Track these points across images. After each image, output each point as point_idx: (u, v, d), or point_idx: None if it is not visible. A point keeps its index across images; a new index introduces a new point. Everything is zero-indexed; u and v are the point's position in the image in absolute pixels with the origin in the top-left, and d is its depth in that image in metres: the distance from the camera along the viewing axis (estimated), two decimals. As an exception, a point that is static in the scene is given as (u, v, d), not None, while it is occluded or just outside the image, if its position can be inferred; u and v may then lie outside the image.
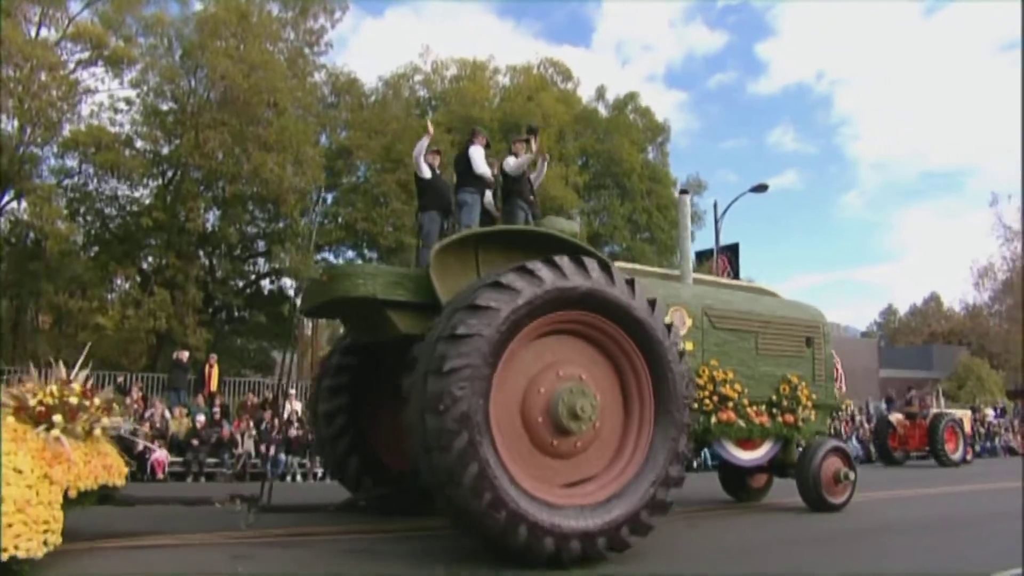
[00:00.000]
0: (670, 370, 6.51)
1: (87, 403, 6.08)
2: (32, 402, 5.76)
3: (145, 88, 22.24)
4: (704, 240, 28.92)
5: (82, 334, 20.32)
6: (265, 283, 26.13)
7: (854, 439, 22.08)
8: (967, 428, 21.98)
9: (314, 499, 8.76)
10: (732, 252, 24.42)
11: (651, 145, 31.95)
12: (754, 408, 9.00)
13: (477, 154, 8.50)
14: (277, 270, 24.43)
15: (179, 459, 13.98)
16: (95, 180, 22.20)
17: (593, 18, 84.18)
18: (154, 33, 22.06)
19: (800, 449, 9.55)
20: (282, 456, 14.99)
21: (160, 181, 23.13)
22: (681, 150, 76.65)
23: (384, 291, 6.72)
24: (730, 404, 8.73)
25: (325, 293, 7.08)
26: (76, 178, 22.18)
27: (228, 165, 21.19)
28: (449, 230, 8.51)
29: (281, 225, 23.82)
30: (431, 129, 8.56)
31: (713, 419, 8.56)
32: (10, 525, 4.79)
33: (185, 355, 17.50)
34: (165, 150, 22.62)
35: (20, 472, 5.11)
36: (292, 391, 18.40)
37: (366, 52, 71.69)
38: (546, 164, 9.06)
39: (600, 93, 32.13)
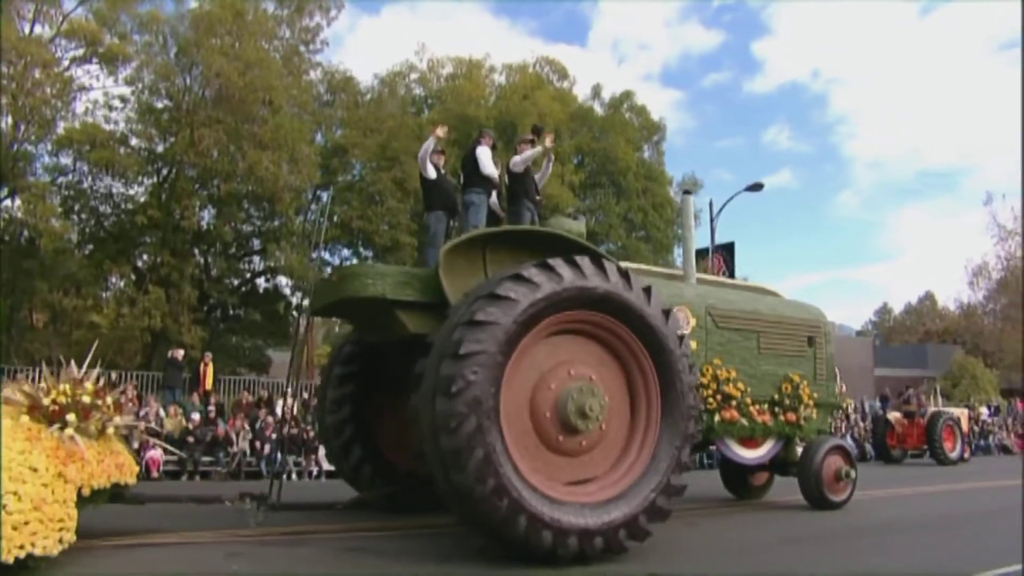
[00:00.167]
0: (679, 379, 6.58)
1: (99, 402, 6.14)
2: (46, 401, 5.82)
3: (140, 85, 22.17)
4: (700, 239, 28.82)
5: (77, 332, 20.29)
6: (260, 281, 26.07)
7: (849, 437, 22.13)
8: (965, 426, 22.06)
9: (322, 498, 8.77)
10: (728, 251, 24.45)
11: (647, 144, 31.94)
12: (757, 407, 9.09)
13: (484, 154, 8.53)
14: (272, 268, 24.38)
15: (174, 457, 13.96)
16: (89, 178, 22.13)
17: (589, 17, 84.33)
18: (149, 30, 21.95)
19: (801, 447, 9.63)
20: (277, 455, 14.97)
21: (155, 179, 23.03)
22: (677, 149, 77.01)
23: (393, 291, 6.76)
24: (733, 403, 8.81)
25: (334, 293, 7.12)
26: (70, 176, 22.11)
27: (223, 163, 21.12)
28: (454, 230, 8.55)
29: (276, 223, 23.76)
30: (439, 131, 8.56)
31: (716, 418, 8.63)
32: (27, 523, 4.89)
33: (180, 353, 17.46)
34: (160, 148, 22.51)
35: (35, 470, 5.20)
36: (288, 389, 18.33)
37: (362, 50, 71.72)
38: (551, 164, 9.12)
39: (596, 92, 32.12)
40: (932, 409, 21.51)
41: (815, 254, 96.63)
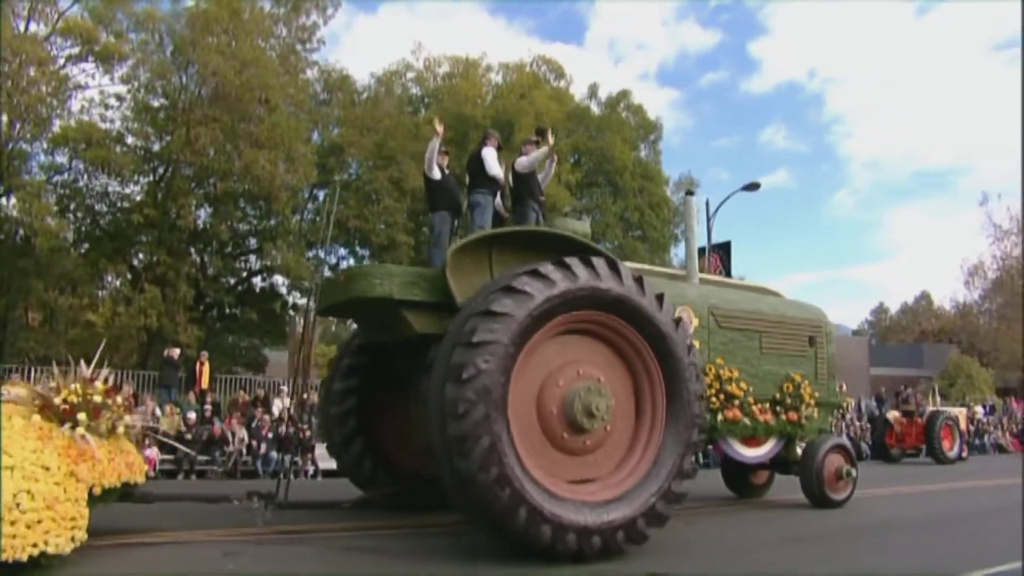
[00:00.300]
0: (685, 388, 6.64)
1: (110, 401, 6.19)
2: (57, 400, 5.87)
3: (136, 84, 22.13)
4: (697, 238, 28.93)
5: (72, 331, 20.24)
6: (257, 280, 26.06)
7: (844, 436, 22.15)
8: (963, 426, 22.13)
9: (325, 497, 8.79)
10: (724, 250, 24.43)
11: (643, 143, 31.98)
12: (759, 406, 9.15)
13: (490, 155, 8.55)
14: (269, 267, 24.35)
15: (170, 456, 13.93)
16: (85, 176, 22.10)
17: (586, 16, 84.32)
18: (145, 29, 21.91)
19: (802, 446, 9.71)
20: (273, 453, 14.97)
21: (151, 178, 22.98)
22: (673, 148, 76.87)
23: (401, 291, 6.79)
24: (736, 402, 8.87)
25: (341, 293, 7.15)
26: (66, 174, 22.08)
27: (219, 162, 21.10)
28: (459, 230, 8.59)
29: (273, 222, 23.74)
30: (440, 129, 8.58)
31: (719, 417, 8.69)
32: (39, 521, 4.95)
33: (176, 352, 17.44)
34: (156, 146, 22.47)
35: (48, 469, 5.25)
36: (284, 388, 18.36)
37: (359, 49, 71.66)
38: (554, 164, 9.14)
39: (593, 91, 32.16)
40: (931, 408, 21.59)
41: (811, 253, 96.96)
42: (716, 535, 7.88)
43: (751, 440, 9.28)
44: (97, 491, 5.63)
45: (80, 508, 5.31)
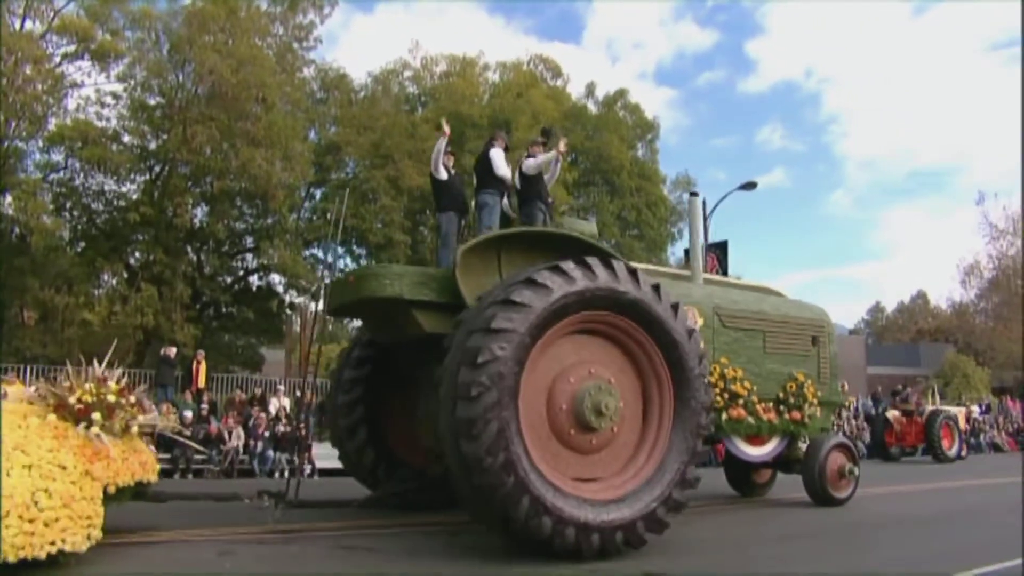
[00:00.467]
0: (694, 397, 6.70)
1: (123, 401, 6.26)
2: (71, 400, 5.94)
3: (132, 82, 22.03)
4: (693, 237, 28.93)
5: (68, 330, 20.17)
6: (253, 279, 26.00)
7: (841, 435, 22.17)
8: (962, 425, 22.20)
9: (334, 496, 8.79)
10: (721, 249, 24.44)
11: (640, 142, 31.96)
12: (763, 405, 9.24)
13: (498, 156, 8.61)
14: (265, 266, 24.31)
15: (167, 455, 13.90)
16: (81, 175, 21.98)
17: (584, 15, 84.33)
18: (141, 27, 21.78)
19: (805, 445, 9.78)
20: (270, 452, 14.96)
21: (147, 176, 22.90)
22: (670, 147, 76.98)
23: (411, 291, 6.87)
24: (740, 401, 8.95)
25: (352, 293, 7.20)
26: (62, 173, 21.97)
27: (216, 160, 21.03)
28: (466, 230, 8.62)
29: (269, 221, 23.69)
30: (447, 129, 8.61)
31: (724, 416, 8.76)
32: (57, 519, 5.03)
33: (173, 351, 17.40)
34: (152, 145, 22.39)
35: (64, 468, 5.34)
36: (281, 387, 18.34)
37: (356, 48, 71.58)
38: (559, 166, 9.19)
39: (590, 90, 32.14)
40: (930, 408, 21.65)
41: (808, 253, 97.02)
42: (717, 532, 7.93)
43: (755, 439, 9.39)
44: (111, 490, 5.72)
45: (95, 507, 5.39)
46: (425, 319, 6.93)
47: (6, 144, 19.87)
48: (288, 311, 26.33)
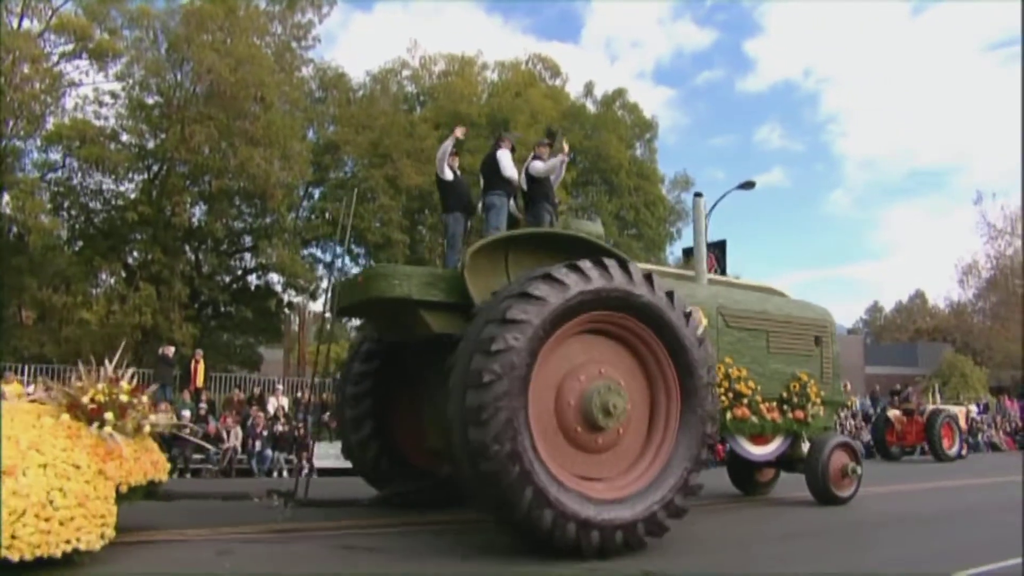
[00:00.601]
0: (700, 406, 6.75)
1: (135, 400, 6.35)
2: (84, 400, 5.99)
3: (130, 81, 21.98)
4: (691, 236, 28.96)
5: (66, 329, 20.12)
6: (252, 278, 25.96)
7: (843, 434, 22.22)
8: (963, 424, 22.26)
9: (341, 495, 8.80)
10: (719, 249, 24.44)
11: (639, 142, 31.94)
12: (766, 404, 9.29)
13: (505, 157, 8.62)
14: (264, 265, 24.28)
15: (165, 455, 13.84)
16: (79, 174, 21.93)
17: (582, 15, 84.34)
18: (139, 26, 21.74)
19: (807, 444, 9.82)
20: (268, 452, 14.92)
21: (146, 175, 22.86)
22: (669, 147, 77.03)
23: (419, 292, 6.91)
24: (744, 400, 9.01)
25: (360, 293, 7.24)
26: (60, 172, 21.92)
27: (214, 160, 21.00)
28: (472, 231, 8.64)
29: (268, 220, 23.65)
30: (460, 133, 8.64)
31: (728, 415, 8.80)
32: (72, 518, 5.10)
33: (171, 350, 17.37)
34: (151, 144, 22.35)
35: (78, 467, 5.40)
36: (280, 386, 18.32)
37: (354, 47, 71.52)
38: (564, 167, 9.21)
39: (588, 89, 32.11)
40: (931, 407, 21.71)
41: (806, 252, 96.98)
42: (719, 531, 7.95)
43: (759, 438, 9.45)
44: (124, 489, 5.79)
45: (109, 506, 5.46)
46: (433, 319, 6.96)
47: (4, 143, 19.81)
48: (286, 310, 26.31)
